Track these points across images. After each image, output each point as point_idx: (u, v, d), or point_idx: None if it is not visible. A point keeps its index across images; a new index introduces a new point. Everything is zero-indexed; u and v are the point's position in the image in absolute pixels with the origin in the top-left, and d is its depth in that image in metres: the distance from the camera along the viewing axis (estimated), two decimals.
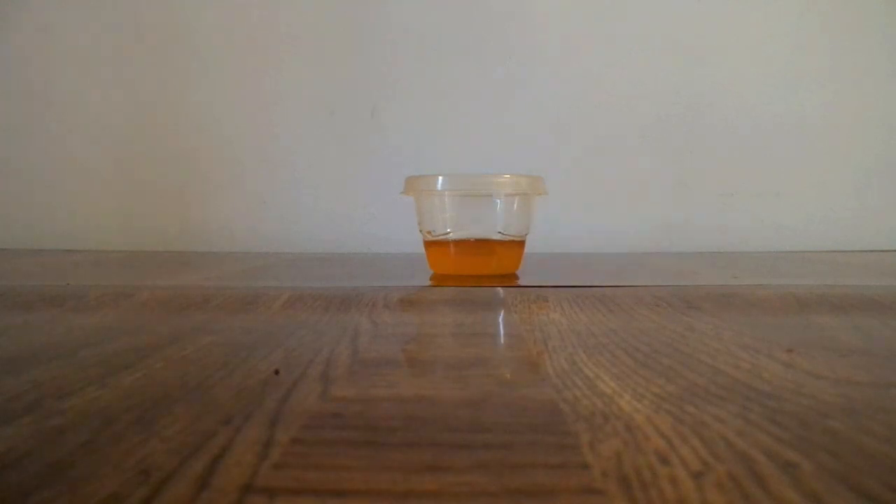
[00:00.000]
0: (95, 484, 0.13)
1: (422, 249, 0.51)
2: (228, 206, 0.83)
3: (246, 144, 0.83)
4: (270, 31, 0.82)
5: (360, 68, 0.82)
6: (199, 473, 0.13)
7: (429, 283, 0.46)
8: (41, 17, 0.83)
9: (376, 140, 0.82)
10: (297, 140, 0.83)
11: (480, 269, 0.48)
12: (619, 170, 0.78)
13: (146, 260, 0.68)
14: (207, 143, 0.83)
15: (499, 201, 0.48)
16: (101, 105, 0.84)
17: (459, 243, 0.48)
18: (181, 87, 0.83)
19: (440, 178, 0.47)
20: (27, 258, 0.69)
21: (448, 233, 0.48)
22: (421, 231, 0.50)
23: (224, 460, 0.14)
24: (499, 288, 0.41)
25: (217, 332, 0.29)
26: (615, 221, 0.79)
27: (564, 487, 0.13)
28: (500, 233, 0.48)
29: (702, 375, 0.22)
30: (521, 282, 0.46)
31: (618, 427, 0.16)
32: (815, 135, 0.80)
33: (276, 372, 0.21)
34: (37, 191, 0.85)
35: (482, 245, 0.48)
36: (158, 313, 0.33)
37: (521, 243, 0.50)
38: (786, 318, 0.33)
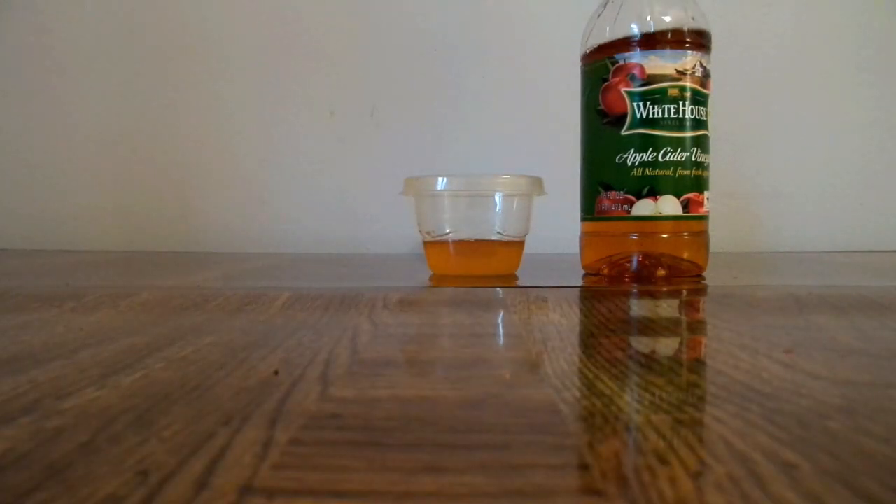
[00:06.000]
0: (94, 484, 0.13)
1: (421, 250, 0.51)
2: (228, 206, 0.83)
3: (246, 144, 0.83)
4: (270, 32, 0.82)
5: (360, 68, 0.82)
6: (198, 474, 0.13)
7: (428, 283, 0.46)
8: (41, 17, 0.83)
9: (376, 140, 0.82)
10: (297, 140, 0.83)
11: (480, 269, 0.48)
12: None
13: (146, 260, 0.68)
14: (207, 143, 0.83)
15: (498, 202, 0.48)
16: (100, 105, 0.84)
17: (459, 244, 0.48)
18: (181, 88, 0.83)
19: (440, 178, 0.47)
20: (27, 258, 0.69)
21: (448, 233, 0.48)
22: (420, 231, 0.50)
23: (223, 461, 0.14)
24: (498, 288, 0.41)
25: (216, 332, 0.29)
26: None
27: (564, 488, 0.13)
28: (499, 233, 0.48)
29: (701, 376, 0.22)
30: (521, 282, 0.46)
31: (617, 428, 0.16)
32: (815, 135, 0.80)
33: (276, 372, 0.21)
34: (37, 191, 0.85)
35: (482, 245, 0.48)
36: (158, 313, 0.33)
37: (521, 244, 0.50)
38: (785, 318, 0.33)
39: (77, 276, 0.52)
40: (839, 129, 0.80)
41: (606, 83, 0.45)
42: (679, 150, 0.44)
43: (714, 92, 0.46)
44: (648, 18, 0.44)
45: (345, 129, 0.82)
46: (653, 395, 0.19)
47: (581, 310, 0.35)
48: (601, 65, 0.45)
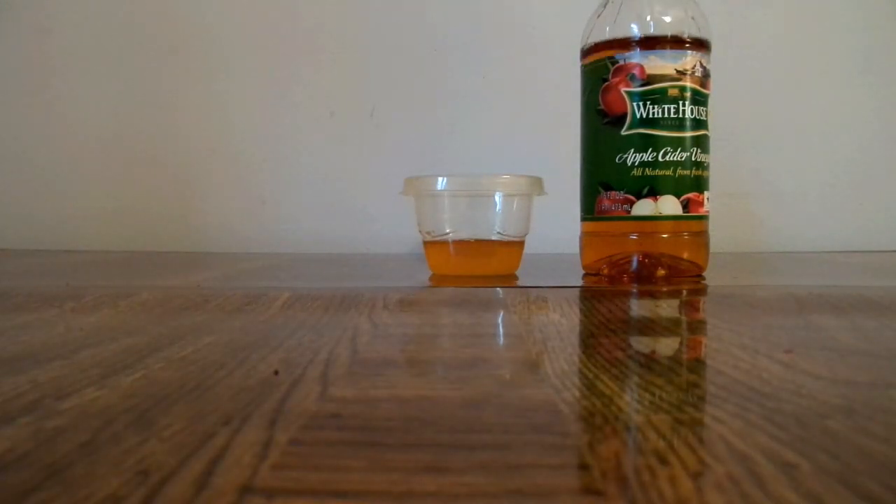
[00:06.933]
0: (94, 484, 0.13)
1: (421, 250, 0.51)
2: (228, 206, 0.83)
3: (246, 145, 0.83)
4: (270, 32, 0.82)
5: (360, 68, 0.82)
6: (198, 474, 0.13)
7: (428, 283, 0.46)
8: (41, 17, 0.83)
9: (376, 140, 0.81)
10: (297, 140, 0.83)
11: (480, 269, 0.48)
12: None
13: (146, 260, 0.68)
14: (207, 144, 0.83)
15: (498, 202, 0.48)
16: (100, 105, 0.84)
17: (459, 244, 0.48)
18: (181, 88, 0.83)
19: (439, 178, 0.47)
20: (27, 258, 0.69)
21: (447, 233, 0.48)
22: (420, 231, 0.50)
23: (223, 461, 0.14)
24: (498, 288, 0.41)
25: (216, 332, 0.29)
26: None
27: (564, 488, 0.13)
28: (499, 233, 0.48)
29: (701, 376, 0.22)
30: (521, 282, 0.46)
31: (617, 428, 0.16)
32: (815, 135, 0.80)
33: (276, 372, 0.21)
34: (37, 191, 0.85)
35: (482, 246, 0.48)
36: (158, 313, 0.33)
37: (521, 244, 0.50)
38: (785, 318, 0.33)
39: (77, 276, 0.52)
40: (839, 129, 0.80)
41: (606, 83, 0.45)
42: (679, 150, 0.44)
43: (714, 92, 0.46)
44: (648, 18, 0.44)
45: (345, 129, 0.82)
46: (653, 395, 0.19)
47: (581, 310, 0.35)
48: (601, 65, 0.45)
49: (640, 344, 0.27)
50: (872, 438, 0.15)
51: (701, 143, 0.45)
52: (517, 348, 0.26)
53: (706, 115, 0.45)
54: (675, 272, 0.45)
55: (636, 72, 0.44)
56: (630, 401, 0.19)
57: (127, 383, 0.20)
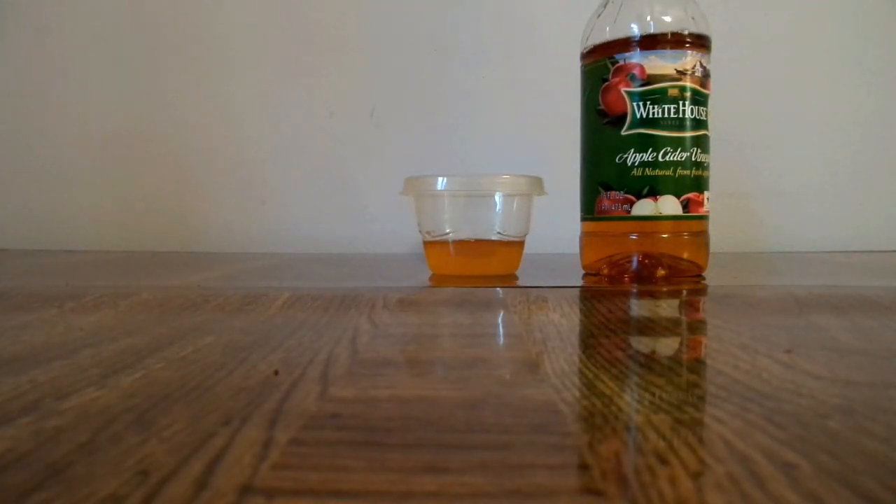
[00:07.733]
0: (94, 484, 0.13)
1: (421, 250, 0.51)
2: (228, 206, 0.83)
3: (246, 144, 0.83)
4: (270, 32, 0.82)
5: (360, 68, 0.82)
6: (198, 474, 0.13)
7: (428, 283, 0.46)
8: (41, 17, 0.83)
9: (376, 140, 0.82)
10: (297, 140, 0.83)
11: (480, 269, 0.48)
12: None
13: (146, 260, 0.68)
14: (207, 144, 0.83)
15: (498, 202, 0.48)
16: (100, 105, 0.84)
17: (459, 244, 0.48)
18: (181, 88, 0.83)
19: (439, 178, 0.47)
20: (27, 258, 0.69)
21: (448, 233, 0.48)
22: (420, 231, 0.50)
23: (223, 461, 0.14)
24: (498, 288, 0.41)
25: (216, 332, 0.29)
26: None
27: (564, 488, 0.13)
28: (499, 233, 0.48)
29: (701, 376, 0.22)
30: (521, 282, 0.46)
31: (617, 428, 0.16)
32: (816, 135, 0.80)
33: (276, 372, 0.21)
34: (37, 191, 0.85)
35: (482, 245, 0.48)
36: (158, 313, 0.33)
37: (521, 244, 0.50)
38: (785, 318, 0.33)
39: (77, 276, 0.52)
40: (839, 129, 0.80)
41: (606, 83, 0.45)
42: (679, 150, 0.44)
43: (714, 92, 0.46)
44: (648, 18, 0.44)
45: (345, 129, 0.82)
46: (653, 395, 0.19)
47: (581, 310, 0.35)
48: (601, 65, 0.45)
49: (640, 344, 0.27)
50: (872, 438, 0.15)
51: (701, 143, 0.45)
52: (517, 348, 0.26)
53: (706, 115, 0.45)
54: (675, 272, 0.45)
55: (636, 72, 0.44)
56: (630, 401, 0.19)
57: (127, 383, 0.20)
